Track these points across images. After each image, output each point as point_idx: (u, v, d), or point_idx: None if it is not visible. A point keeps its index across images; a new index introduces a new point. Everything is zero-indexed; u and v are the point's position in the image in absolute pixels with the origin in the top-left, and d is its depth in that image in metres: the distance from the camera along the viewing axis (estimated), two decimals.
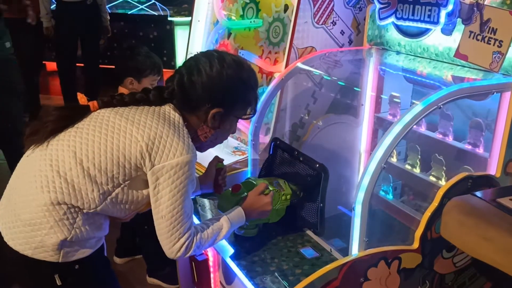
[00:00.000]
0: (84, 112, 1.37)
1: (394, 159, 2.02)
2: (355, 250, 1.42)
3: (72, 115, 1.36)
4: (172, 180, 1.28)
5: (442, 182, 1.76)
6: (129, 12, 5.53)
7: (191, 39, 2.67)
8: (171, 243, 1.31)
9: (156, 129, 1.29)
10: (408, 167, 1.93)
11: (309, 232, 1.69)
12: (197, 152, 1.40)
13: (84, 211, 1.29)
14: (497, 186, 1.56)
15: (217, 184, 1.65)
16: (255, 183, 1.60)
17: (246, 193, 1.54)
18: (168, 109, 1.37)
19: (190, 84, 1.37)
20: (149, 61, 2.11)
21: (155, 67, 2.12)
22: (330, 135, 2.08)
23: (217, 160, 1.67)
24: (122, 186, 1.30)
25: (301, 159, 1.67)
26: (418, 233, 1.48)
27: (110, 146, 1.28)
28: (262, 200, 1.52)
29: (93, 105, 1.37)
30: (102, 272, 1.42)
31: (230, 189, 1.60)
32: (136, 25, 5.42)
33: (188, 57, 2.63)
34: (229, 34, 2.52)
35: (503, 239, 1.18)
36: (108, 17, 4.52)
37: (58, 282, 1.31)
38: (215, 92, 1.37)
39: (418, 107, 1.38)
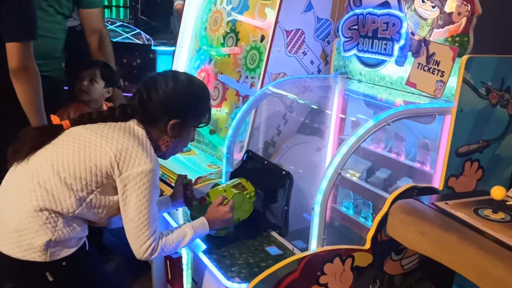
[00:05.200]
0: (58, 130, 1.56)
1: (355, 177, 2.23)
2: (313, 246, 1.61)
3: (48, 133, 1.55)
4: (138, 186, 1.47)
5: None
6: (114, 40, 5.76)
7: (175, 64, 2.89)
8: (138, 244, 1.48)
9: (123, 142, 1.49)
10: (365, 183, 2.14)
11: (275, 234, 1.87)
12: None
13: (64, 215, 1.46)
14: None
15: (187, 198, 1.82)
16: (220, 189, 1.79)
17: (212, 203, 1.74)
18: (133, 124, 1.57)
19: (149, 100, 1.57)
20: None
21: None
22: (298, 154, 2.30)
23: (181, 177, 1.83)
24: (95, 192, 1.48)
25: (270, 167, 1.88)
26: (370, 234, 1.67)
27: (83, 157, 1.46)
28: (222, 210, 1.71)
29: (65, 124, 1.57)
30: (87, 265, 1.57)
31: (197, 202, 1.80)
32: (120, 52, 5.63)
33: None
34: (210, 60, 2.75)
35: (436, 233, 1.39)
36: None
37: (50, 278, 1.46)
38: (171, 106, 1.58)
39: (370, 123, 1.61)
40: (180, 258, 1.85)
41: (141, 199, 1.46)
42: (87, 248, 1.60)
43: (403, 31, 1.88)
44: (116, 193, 1.50)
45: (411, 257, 1.81)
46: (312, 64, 2.39)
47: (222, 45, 2.67)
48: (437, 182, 1.82)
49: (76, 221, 1.49)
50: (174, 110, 1.58)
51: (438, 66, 1.78)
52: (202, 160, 2.44)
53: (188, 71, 2.85)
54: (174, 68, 2.91)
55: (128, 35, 5.88)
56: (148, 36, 5.66)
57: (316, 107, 2.30)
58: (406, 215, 1.49)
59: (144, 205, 1.47)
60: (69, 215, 1.46)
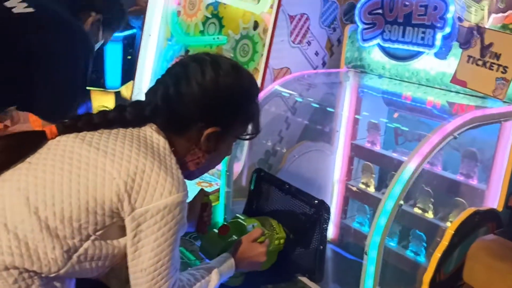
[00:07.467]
0: (39, 140, 1.05)
1: (371, 189, 1.88)
2: None
3: (21, 145, 1.04)
4: (158, 226, 1.00)
5: (429, 215, 1.66)
6: None
7: (141, 55, 2.40)
8: None
9: (137, 161, 1.01)
10: None
11: (302, 278, 1.47)
12: None
13: (43, 275, 0.97)
14: (501, 220, 1.46)
15: (202, 222, 1.36)
16: (245, 223, 1.36)
17: (235, 237, 1.31)
18: (150, 132, 1.08)
19: (178, 97, 1.08)
20: None
21: None
22: (305, 164, 1.91)
23: (203, 194, 1.37)
24: (92, 238, 1.00)
25: (294, 193, 1.47)
26: (428, 276, 1.32)
27: (76, 186, 0.98)
28: (256, 249, 1.29)
29: (50, 130, 1.05)
30: None
31: (215, 230, 1.36)
32: None
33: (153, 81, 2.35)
34: (187, 51, 2.29)
35: None
36: None
37: None
38: (210, 107, 1.09)
39: (435, 137, 1.24)
40: None
41: (161, 243, 1.02)
42: None
43: (449, 15, 1.52)
44: (123, 235, 1.04)
45: None
46: (316, 55, 2.00)
47: (202, 33, 2.22)
48: (493, 201, 1.50)
49: (60, 281, 1.01)
50: (214, 114, 1.10)
51: (498, 60, 1.44)
52: None
53: (158, 64, 2.39)
54: (140, 60, 2.42)
55: None
56: None
57: (324, 108, 1.91)
58: (495, 260, 1.15)
59: (164, 252, 1.02)
60: (50, 275, 0.99)
